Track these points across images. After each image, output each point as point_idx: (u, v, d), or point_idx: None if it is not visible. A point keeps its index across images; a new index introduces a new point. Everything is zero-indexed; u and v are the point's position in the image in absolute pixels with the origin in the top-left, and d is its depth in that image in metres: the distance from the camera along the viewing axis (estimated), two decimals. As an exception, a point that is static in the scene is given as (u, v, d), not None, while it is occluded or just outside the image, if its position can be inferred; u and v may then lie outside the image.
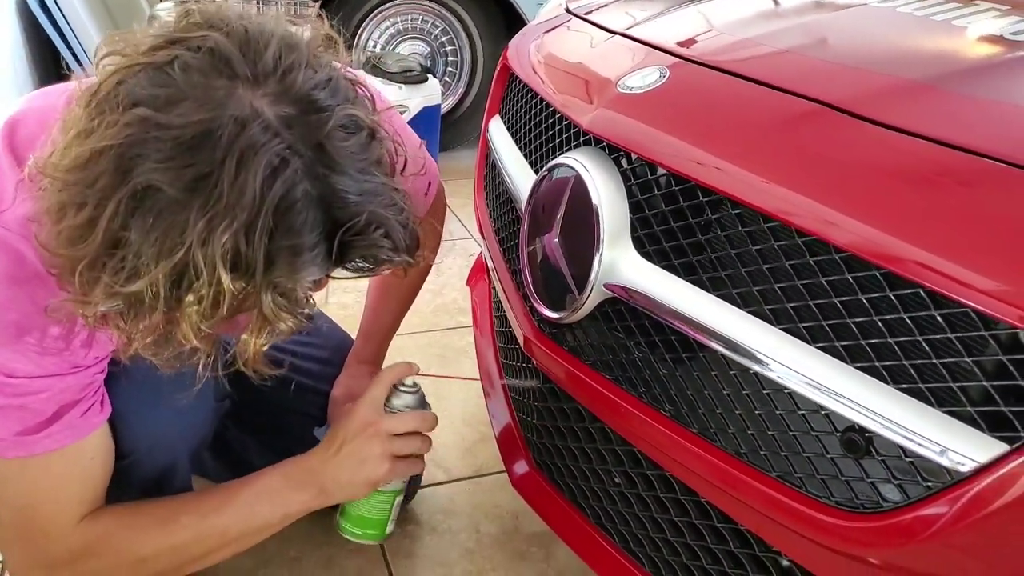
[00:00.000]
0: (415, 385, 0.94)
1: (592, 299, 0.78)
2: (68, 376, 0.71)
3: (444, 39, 2.86)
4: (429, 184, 1.15)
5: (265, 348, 0.62)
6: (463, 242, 2.33)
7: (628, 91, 0.77)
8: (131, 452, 0.84)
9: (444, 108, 2.87)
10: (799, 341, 0.61)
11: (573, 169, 0.80)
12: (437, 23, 2.81)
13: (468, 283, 1.56)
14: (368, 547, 1.19)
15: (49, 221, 0.58)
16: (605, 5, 1.20)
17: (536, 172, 0.98)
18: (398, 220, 0.62)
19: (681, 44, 0.82)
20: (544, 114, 0.97)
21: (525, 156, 1.03)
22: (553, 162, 0.83)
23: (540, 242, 0.87)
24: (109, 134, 0.55)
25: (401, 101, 2.56)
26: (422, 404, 0.94)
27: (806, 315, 0.62)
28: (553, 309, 0.84)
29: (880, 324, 0.57)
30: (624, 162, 0.78)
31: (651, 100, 0.74)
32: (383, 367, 0.92)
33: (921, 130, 0.60)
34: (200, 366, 0.63)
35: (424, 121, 2.68)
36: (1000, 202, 0.54)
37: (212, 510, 0.83)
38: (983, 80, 0.65)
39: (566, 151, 0.88)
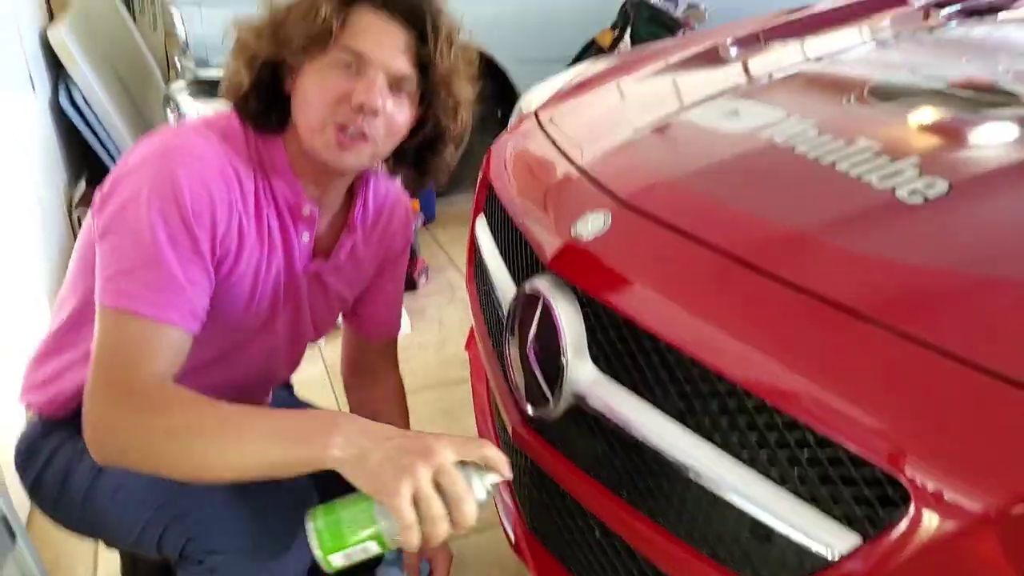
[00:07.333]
0: (495, 487, 0.80)
1: (563, 404, 0.96)
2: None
3: (434, 95, 3.04)
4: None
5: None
6: (463, 293, 2.50)
7: (579, 237, 0.94)
8: None
9: (439, 157, 3.06)
10: (717, 451, 0.79)
11: (539, 294, 0.97)
12: (427, 81, 2.99)
13: (467, 348, 1.73)
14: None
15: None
16: (570, 101, 1.38)
17: (515, 279, 1.16)
18: None
19: (622, 184, 0.99)
20: (517, 232, 1.14)
21: (504, 259, 1.21)
22: (523, 288, 1.01)
23: (519, 350, 1.04)
24: None
25: (398, 160, 2.75)
26: (483, 501, 0.79)
27: (721, 428, 0.79)
28: (534, 406, 1.02)
29: (770, 440, 0.74)
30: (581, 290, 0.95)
31: (597, 248, 0.92)
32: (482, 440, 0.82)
33: (798, 281, 0.78)
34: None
35: (420, 175, 2.87)
36: (849, 352, 0.72)
37: (244, 412, 0.85)
38: (855, 232, 0.82)
39: (535, 272, 1.06)
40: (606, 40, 2.83)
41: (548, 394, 0.98)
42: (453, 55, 1.00)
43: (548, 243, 1.00)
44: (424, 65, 0.98)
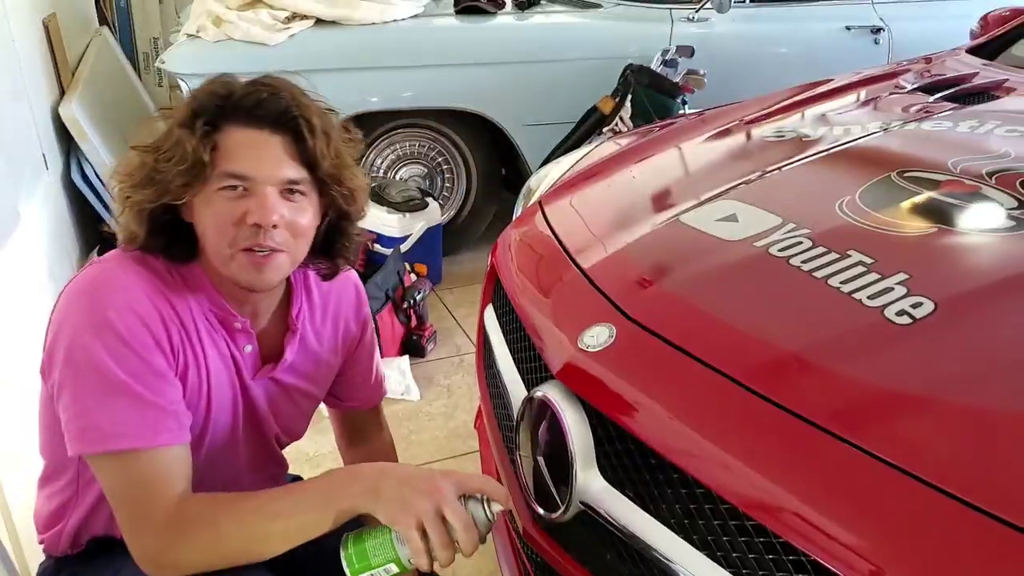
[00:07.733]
0: (497, 516, 0.90)
1: (572, 509, 0.99)
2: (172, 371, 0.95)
3: (440, 160, 3.12)
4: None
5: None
6: (470, 357, 2.54)
7: (586, 348, 0.98)
8: None
9: (444, 219, 3.12)
10: (719, 569, 0.82)
11: (548, 401, 1.01)
12: (434, 146, 3.08)
13: (476, 426, 1.76)
14: None
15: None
16: (575, 193, 1.43)
17: (523, 374, 1.19)
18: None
19: (626, 298, 1.04)
20: (524, 332, 1.18)
21: (512, 351, 1.25)
22: (531, 394, 1.04)
23: (529, 454, 1.07)
24: None
25: (406, 227, 2.81)
26: (485, 527, 0.90)
27: (723, 545, 0.82)
28: (545, 510, 1.05)
29: (769, 562, 0.77)
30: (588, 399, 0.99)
31: (602, 361, 0.96)
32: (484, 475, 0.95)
33: (792, 406, 0.81)
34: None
35: (428, 239, 2.94)
36: (839, 480, 0.75)
37: (274, 495, 0.93)
38: (848, 355, 0.86)
39: (543, 372, 1.09)
40: (607, 107, 2.90)
41: (558, 500, 1.01)
42: (334, 149, 0.98)
43: (556, 352, 1.04)
44: (310, 163, 0.97)
